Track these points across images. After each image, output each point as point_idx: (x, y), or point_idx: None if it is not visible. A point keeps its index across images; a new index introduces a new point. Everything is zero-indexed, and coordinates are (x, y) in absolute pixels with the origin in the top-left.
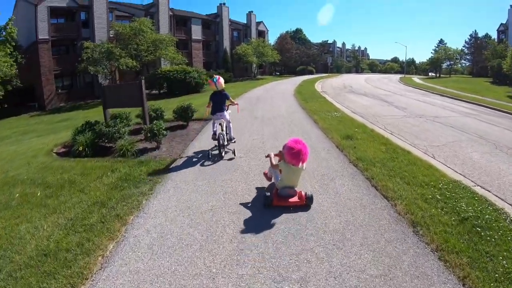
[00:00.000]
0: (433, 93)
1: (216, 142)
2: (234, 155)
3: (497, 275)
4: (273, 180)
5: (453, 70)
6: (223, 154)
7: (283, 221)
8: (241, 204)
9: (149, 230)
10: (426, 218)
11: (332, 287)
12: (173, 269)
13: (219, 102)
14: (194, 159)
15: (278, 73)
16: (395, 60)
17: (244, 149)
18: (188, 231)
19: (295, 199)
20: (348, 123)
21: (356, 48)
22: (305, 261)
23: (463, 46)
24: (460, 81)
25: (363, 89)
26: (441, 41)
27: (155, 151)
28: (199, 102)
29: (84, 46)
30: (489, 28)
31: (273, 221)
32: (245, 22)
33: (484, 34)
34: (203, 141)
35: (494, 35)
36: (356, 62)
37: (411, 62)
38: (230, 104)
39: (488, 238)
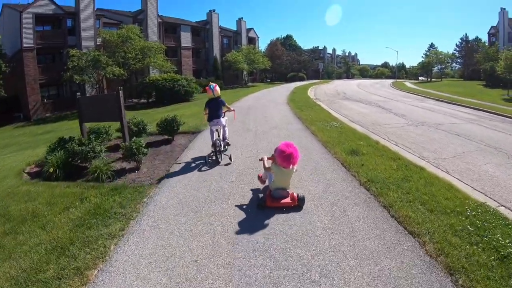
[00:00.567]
0: (429, 98)
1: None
2: (231, 160)
3: None
4: (267, 183)
5: (443, 74)
6: (220, 160)
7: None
8: (233, 251)
9: None
10: (462, 260)
11: None
12: None
13: (215, 108)
14: (177, 184)
15: (269, 80)
16: (385, 65)
17: (236, 171)
18: None
19: (287, 200)
20: (349, 134)
21: (347, 54)
22: None
23: (454, 50)
24: (452, 85)
25: (358, 95)
26: (431, 45)
27: (134, 172)
28: (188, 111)
29: (70, 54)
30: (480, 32)
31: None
32: (235, 29)
33: (474, 37)
34: (189, 160)
35: (484, 38)
36: (347, 67)
37: (401, 66)
38: (226, 111)
39: None
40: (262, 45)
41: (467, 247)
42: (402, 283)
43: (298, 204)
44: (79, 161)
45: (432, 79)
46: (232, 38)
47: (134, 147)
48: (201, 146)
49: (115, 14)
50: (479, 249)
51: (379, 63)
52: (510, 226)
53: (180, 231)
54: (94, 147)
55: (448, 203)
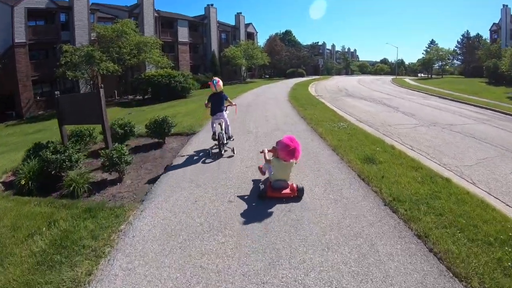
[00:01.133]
0: (433, 95)
1: (216, 142)
2: (234, 153)
3: None
4: (267, 175)
5: (444, 70)
6: (222, 152)
7: None
8: None
9: None
10: None
11: None
12: None
13: (218, 103)
14: (163, 205)
15: (267, 76)
16: (384, 61)
17: (235, 186)
18: None
19: (287, 191)
20: (360, 137)
21: (346, 49)
22: None
23: (456, 47)
24: (454, 82)
25: (360, 92)
26: (432, 42)
27: (116, 185)
28: (184, 109)
29: (63, 49)
30: (481, 28)
31: None
32: (234, 24)
33: (475, 34)
34: (181, 168)
35: (485, 35)
36: (346, 63)
37: (401, 63)
38: (228, 105)
39: None
40: (261, 40)
41: None
42: None
43: (297, 195)
44: (53, 172)
45: (432, 76)
46: (230, 33)
47: (115, 155)
48: (196, 150)
49: (110, 8)
50: None
51: (378, 60)
52: None
53: (162, 278)
54: (71, 155)
55: (488, 229)
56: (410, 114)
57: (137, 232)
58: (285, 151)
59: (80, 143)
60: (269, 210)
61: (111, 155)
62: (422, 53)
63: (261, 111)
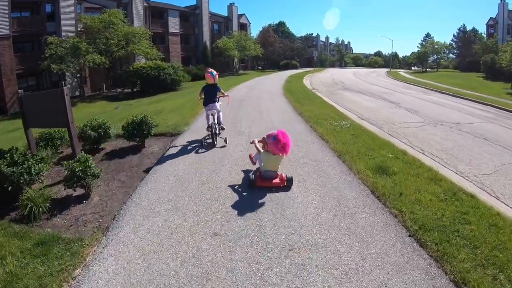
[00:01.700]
0: (432, 90)
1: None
2: (226, 143)
3: None
4: (257, 165)
5: (438, 64)
6: (215, 142)
7: None
8: None
9: None
10: None
11: None
12: None
13: (211, 94)
14: (131, 238)
15: (260, 68)
16: (378, 54)
17: (223, 210)
18: None
19: (277, 180)
20: (366, 139)
21: (340, 41)
22: None
23: (451, 40)
24: (450, 76)
25: (357, 86)
26: (427, 35)
27: (81, 203)
28: (171, 104)
29: (48, 41)
30: (477, 23)
31: None
32: (226, 14)
33: (471, 28)
34: (160, 179)
35: (481, 29)
36: (340, 56)
37: (395, 56)
38: (221, 96)
39: None
40: (254, 31)
41: None
42: None
43: (286, 185)
44: (10, 188)
45: (427, 70)
46: (223, 24)
47: (78, 168)
48: (179, 155)
49: None
50: None
51: (372, 52)
52: None
53: None
54: (30, 167)
55: None
56: (413, 110)
57: (94, 283)
58: (276, 146)
59: (50, 148)
60: (267, 251)
61: (73, 168)
62: (417, 46)
63: (255, 107)
